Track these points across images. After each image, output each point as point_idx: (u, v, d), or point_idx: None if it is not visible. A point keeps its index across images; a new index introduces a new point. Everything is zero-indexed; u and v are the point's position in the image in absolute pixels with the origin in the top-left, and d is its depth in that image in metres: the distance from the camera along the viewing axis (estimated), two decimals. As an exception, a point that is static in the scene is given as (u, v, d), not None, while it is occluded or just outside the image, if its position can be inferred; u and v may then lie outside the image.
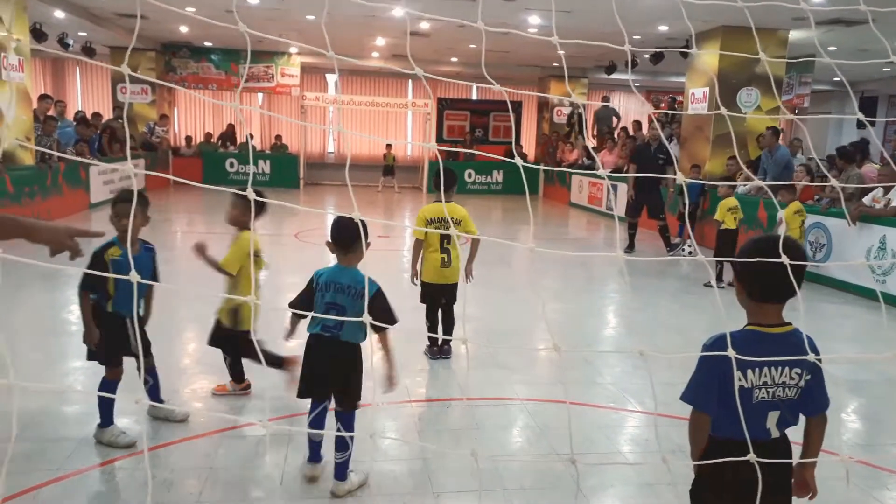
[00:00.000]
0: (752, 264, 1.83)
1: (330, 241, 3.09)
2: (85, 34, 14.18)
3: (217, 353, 4.12)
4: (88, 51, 14.89)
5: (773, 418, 1.90)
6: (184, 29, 14.78)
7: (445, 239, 4.68)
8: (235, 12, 1.87)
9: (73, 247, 1.97)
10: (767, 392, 1.86)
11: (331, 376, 3.05)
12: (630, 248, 9.71)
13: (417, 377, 4.60)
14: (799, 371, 1.88)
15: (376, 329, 2.95)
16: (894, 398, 4.57)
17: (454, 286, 4.82)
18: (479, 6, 10.18)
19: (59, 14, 11.80)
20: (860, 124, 16.64)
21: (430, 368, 4.73)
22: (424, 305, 4.89)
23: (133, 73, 1.70)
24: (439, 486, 3.15)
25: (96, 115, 13.40)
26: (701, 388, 1.89)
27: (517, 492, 3.13)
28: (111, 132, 13.50)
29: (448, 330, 4.89)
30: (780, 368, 1.86)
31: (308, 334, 3.09)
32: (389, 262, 8.46)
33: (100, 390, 3.42)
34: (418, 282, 4.81)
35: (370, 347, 3.20)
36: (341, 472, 3.03)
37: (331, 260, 3.23)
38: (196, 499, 2.95)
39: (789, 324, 1.92)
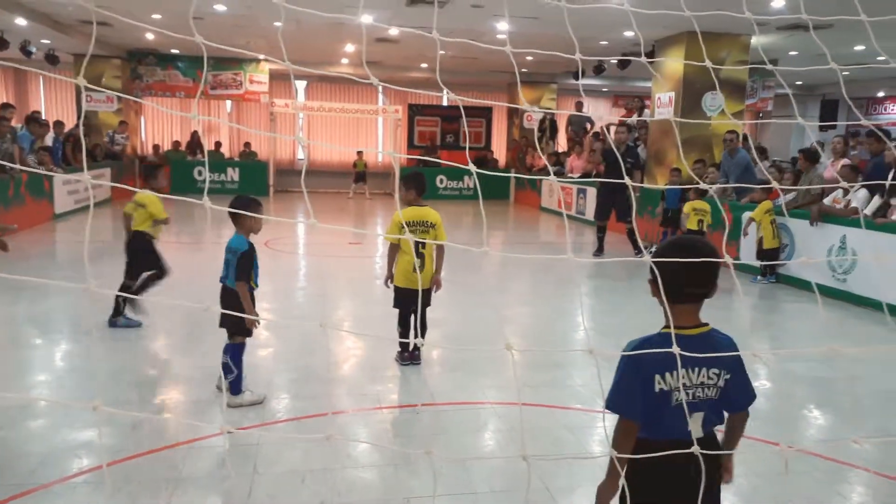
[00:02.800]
0: (662, 266, 1.82)
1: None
2: (49, 41, 13.94)
3: (188, 363, 4.07)
4: (52, 58, 14.64)
5: (696, 419, 1.89)
6: (150, 36, 14.61)
7: (420, 243, 4.69)
8: (193, 25, 1.86)
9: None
10: (687, 393, 1.86)
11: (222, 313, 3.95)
12: (599, 251, 9.81)
13: (389, 383, 4.59)
14: (717, 371, 1.89)
15: (235, 278, 3.94)
16: (854, 394, 4.67)
17: (427, 291, 4.83)
18: (434, 13, 10.23)
19: (22, 21, 11.59)
20: (822, 127, 17.03)
21: (402, 374, 4.73)
22: (396, 311, 4.89)
23: (90, 86, 1.69)
24: (409, 492, 3.15)
25: (58, 124, 13.15)
26: (624, 395, 1.88)
27: (487, 494, 3.14)
28: (75, 141, 13.27)
29: (421, 334, 4.88)
30: (697, 369, 1.86)
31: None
32: (361, 269, 8.44)
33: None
34: (392, 285, 4.81)
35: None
36: (234, 388, 4.03)
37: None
38: (163, 511, 2.91)
39: (706, 324, 1.92)
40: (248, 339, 4.12)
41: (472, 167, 1.86)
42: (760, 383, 4.68)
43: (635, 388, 1.86)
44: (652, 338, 1.90)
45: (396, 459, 3.48)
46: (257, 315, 4.02)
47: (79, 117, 15.39)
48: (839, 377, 4.96)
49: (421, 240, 4.57)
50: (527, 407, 4.17)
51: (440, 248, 4.79)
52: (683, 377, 1.84)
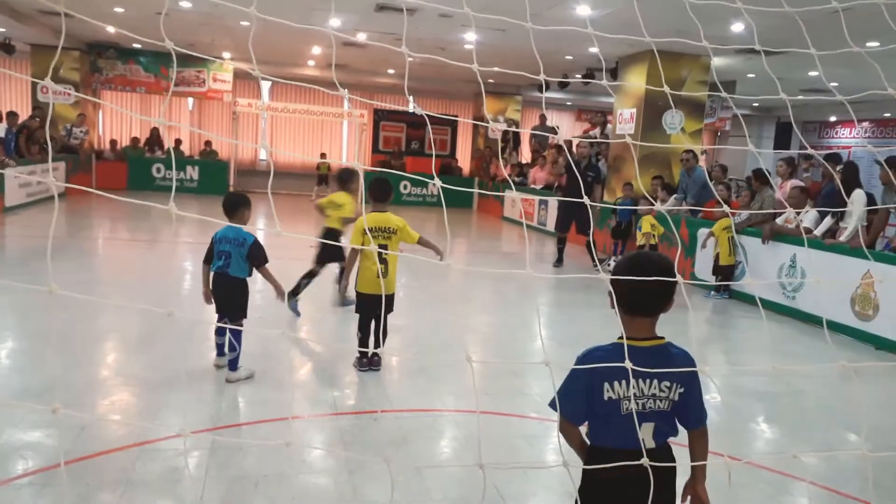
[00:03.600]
0: (617, 280, 1.90)
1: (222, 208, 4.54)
2: (4, 30, 13.54)
3: (141, 365, 3.98)
4: (7, 48, 14.22)
5: (647, 430, 1.93)
6: (111, 29, 14.29)
7: (384, 250, 4.69)
8: (162, 27, 1.84)
9: None
10: (637, 404, 1.90)
11: (223, 299, 4.50)
12: (559, 262, 9.93)
13: (346, 389, 4.57)
14: (669, 384, 1.92)
15: (258, 265, 4.47)
16: (799, 408, 4.82)
17: (391, 297, 4.82)
18: (404, 22, 10.28)
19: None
20: (777, 148, 17.49)
21: (359, 380, 4.72)
22: (357, 316, 4.87)
23: (53, 84, 1.66)
24: (365, 498, 3.15)
25: (12, 115, 12.75)
26: (566, 397, 1.96)
27: (443, 502, 3.15)
28: (28, 133, 12.90)
29: (382, 339, 4.88)
30: (648, 381, 1.91)
31: (212, 273, 4.48)
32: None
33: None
34: (353, 292, 4.79)
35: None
36: (233, 365, 4.46)
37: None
38: (111, 515, 2.84)
39: (661, 338, 1.97)
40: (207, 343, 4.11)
41: (437, 182, 1.87)
42: (711, 396, 4.79)
43: (579, 393, 1.93)
44: (604, 347, 1.96)
45: (352, 465, 3.47)
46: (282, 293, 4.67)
47: (40, 108, 14.90)
48: (785, 392, 5.11)
49: (382, 247, 4.59)
50: (484, 415, 4.20)
51: (422, 241, 4.81)
52: (633, 388, 1.89)
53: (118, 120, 18.62)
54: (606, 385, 1.90)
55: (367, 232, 4.64)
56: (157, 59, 16.81)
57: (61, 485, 3.04)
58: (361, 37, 12.80)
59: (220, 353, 4.65)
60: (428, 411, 4.25)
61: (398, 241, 4.75)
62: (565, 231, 9.98)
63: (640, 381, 1.90)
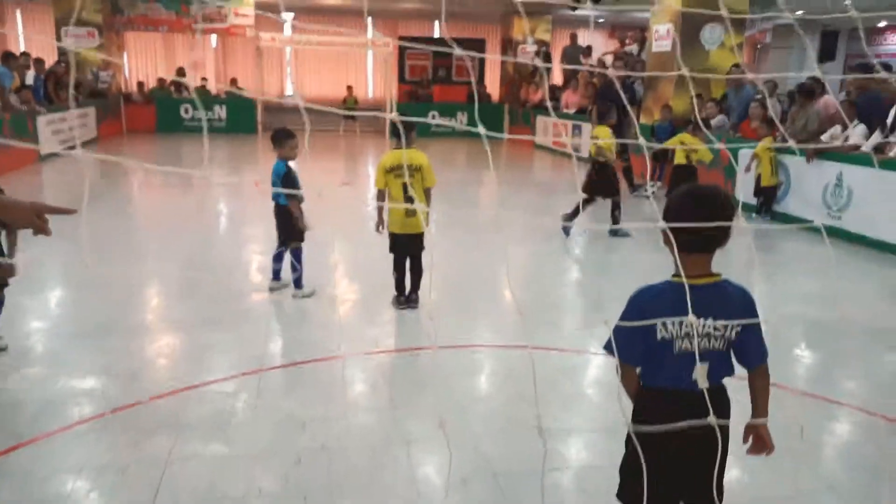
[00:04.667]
0: (673, 215, 1.83)
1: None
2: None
3: (183, 309, 4.04)
4: (27, -9, 14.08)
5: (700, 370, 1.88)
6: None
7: (409, 186, 4.62)
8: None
9: (39, 226, 1.85)
10: (691, 343, 1.85)
11: (277, 225, 4.99)
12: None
13: (386, 327, 4.60)
14: (724, 322, 1.86)
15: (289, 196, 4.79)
16: (850, 334, 4.72)
17: (420, 235, 4.78)
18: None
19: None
20: (821, 59, 16.71)
21: (398, 318, 4.74)
22: (391, 256, 4.85)
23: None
24: (409, 434, 3.19)
25: (38, 62, 12.74)
26: (621, 339, 1.89)
27: (485, 435, 3.19)
28: (56, 78, 12.90)
29: (416, 280, 4.87)
30: (702, 319, 1.84)
31: None
32: (353, 211, 8.36)
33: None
34: (384, 230, 4.76)
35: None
36: (297, 284, 4.99)
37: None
38: (166, 457, 2.93)
39: (717, 274, 1.90)
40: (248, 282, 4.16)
41: (482, 131, 1.76)
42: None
43: (634, 334, 1.87)
44: (658, 285, 1.90)
45: (396, 403, 3.51)
46: (303, 221, 4.94)
47: (65, 54, 14.85)
48: (832, 318, 4.99)
49: (406, 184, 4.52)
50: (522, 349, 4.20)
51: (427, 194, 4.72)
52: (687, 326, 1.83)
53: (143, 61, 18.51)
54: (659, 324, 1.84)
55: (392, 170, 4.58)
56: (177, -4, 16.50)
57: (115, 431, 3.14)
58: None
59: (276, 277, 5.11)
60: (467, 347, 4.26)
61: (421, 177, 4.66)
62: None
63: (697, 320, 1.83)
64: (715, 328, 1.86)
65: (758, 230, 7.76)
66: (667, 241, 1.88)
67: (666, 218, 1.86)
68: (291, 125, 5.46)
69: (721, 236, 1.84)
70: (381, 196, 4.72)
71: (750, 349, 1.92)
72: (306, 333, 4.47)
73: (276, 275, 5.13)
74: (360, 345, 4.26)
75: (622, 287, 4.76)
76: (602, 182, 7.07)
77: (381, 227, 4.75)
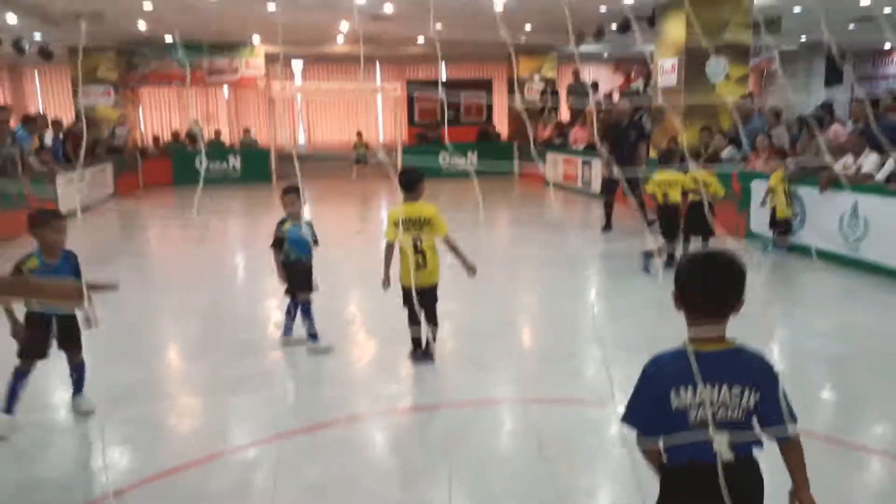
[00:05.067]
0: (684, 280, 1.82)
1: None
2: (41, 37, 13.79)
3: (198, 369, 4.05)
4: (46, 53, 14.51)
5: (721, 440, 1.80)
6: (143, 26, 14.43)
7: (418, 240, 4.63)
8: (184, 13, 1.80)
9: (81, 305, 1.87)
10: (705, 413, 1.79)
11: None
12: (607, 227, 9.74)
13: (403, 383, 4.59)
14: (739, 391, 1.80)
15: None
16: (875, 371, 4.63)
17: (433, 287, 4.78)
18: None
19: (12, 18, 11.45)
20: (828, 82, 16.71)
21: (415, 373, 4.73)
22: (406, 309, 4.86)
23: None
24: (430, 499, 3.16)
25: (57, 123, 13.08)
26: (636, 409, 1.87)
27: (506, 499, 3.14)
28: (74, 138, 13.21)
29: (432, 332, 4.86)
30: (717, 387, 1.79)
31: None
32: (368, 258, 8.39)
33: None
34: (389, 286, 4.75)
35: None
36: (314, 337, 5.03)
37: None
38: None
39: (732, 340, 1.85)
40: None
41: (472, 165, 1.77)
42: (775, 362, 4.65)
43: (650, 404, 1.84)
44: (670, 353, 1.87)
45: (415, 464, 3.48)
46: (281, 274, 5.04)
47: (77, 115, 15.25)
48: (854, 353, 4.91)
49: (416, 238, 4.54)
50: (542, 404, 4.16)
51: (447, 241, 4.72)
52: (701, 395, 1.79)
53: (157, 115, 18.91)
54: (672, 394, 1.80)
55: (400, 223, 4.61)
56: (189, 51, 16.93)
57: (138, 507, 3.14)
58: (388, 9, 12.60)
59: (287, 332, 5.15)
60: (485, 402, 4.22)
61: (431, 230, 4.66)
62: (612, 194, 9.75)
63: (709, 388, 1.79)
64: (730, 396, 1.80)
65: (774, 261, 7.70)
66: (679, 307, 1.87)
67: (677, 283, 1.86)
68: (303, 172, 5.54)
69: (733, 302, 1.82)
70: (389, 250, 4.73)
71: (774, 420, 1.83)
72: (324, 393, 4.46)
73: (288, 330, 5.16)
74: (378, 403, 4.25)
75: (642, 332, 4.67)
76: (698, 220, 6.94)
77: (386, 283, 4.73)
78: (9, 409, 3.78)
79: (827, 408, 4.18)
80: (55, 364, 4.66)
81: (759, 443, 1.88)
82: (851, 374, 4.59)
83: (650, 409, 1.85)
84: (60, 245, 3.93)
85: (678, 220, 7.17)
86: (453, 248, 4.72)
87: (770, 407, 1.83)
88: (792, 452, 1.88)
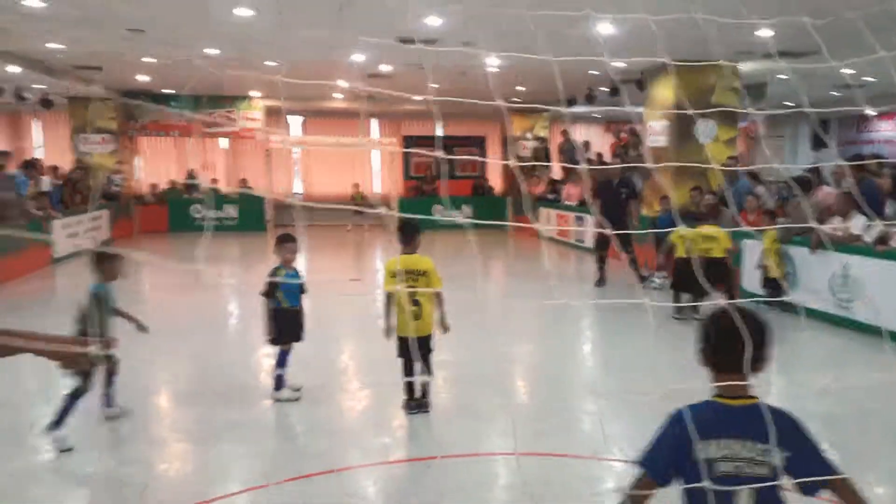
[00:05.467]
0: (709, 337, 1.85)
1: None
2: (42, 86, 14.02)
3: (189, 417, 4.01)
4: (46, 102, 14.72)
5: (746, 497, 1.78)
6: (143, 77, 14.72)
7: (414, 291, 4.67)
8: (187, 66, 1.86)
9: (77, 360, 1.85)
10: (730, 466, 1.79)
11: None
12: (601, 281, 9.80)
13: (396, 434, 4.54)
14: (765, 447, 1.78)
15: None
16: (871, 431, 4.63)
17: (428, 338, 4.79)
18: (429, 55, 10.37)
19: (15, 69, 11.66)
20: (814, 146, 17.14)
21: (409, 424, 4.68)
22: (400, 360, 4.85)
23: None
24: (425, 555, 3.10)
25: (54, 168, 13.18)
26: (654, 454, 1.86)
27: (504, 556, 3.09)
28: (72, 185, 13.29)
29: (426, 383, 4.84)
30: (742, 443, 1.79)
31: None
32: (363, 309, 8.39)
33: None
34: (394, 335, 4.77)
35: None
36: (279, 384, 4.99)
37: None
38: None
39: (755, 397, 1.85)
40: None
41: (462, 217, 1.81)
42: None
43: (667, 450, 1.84)
44: (696, 406, 1.87)
45: (409, 518, 3.43)
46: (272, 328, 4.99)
47: (81, 160, 15.38)
48: (851, 413, 4.92)
49: (412, 289, 4.57)
50: (538, 457, 4.12)
51: (438, 295, 4.77)
52: (725, 448, 1.79)
53: (155, 164, 19.07)
54: (700, 445, 1.78)
55: (397, 275, 4.65)
56: (188, 102, 17.22)
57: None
58: (385, 68, 12.93)
59: (279, 386, 5.05)
60: (480, 455, 4.18)
61: (426, 283, 4.72)
62: (605, 249, 9.85)
63: (734, 442, 1.79)
64: (757, 454, 1.79)
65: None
66: (706, 362, 1.90)
67: (706, 338, 1.89)
68: (299, 222, 5.72)
69: (760, 358, 1.82)
70: (389, 300, 4.76)
71: (813, 471, 1.78)
72: (315, 442, 4.41)
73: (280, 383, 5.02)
74: (370, 455, 4.20)
75: (636, 385, 4.67)
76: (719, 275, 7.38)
77: (389, 334, 4.75)
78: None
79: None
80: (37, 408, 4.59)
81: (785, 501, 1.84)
82: (847, 433, 4.58)
83: (668, 458, 1.84)
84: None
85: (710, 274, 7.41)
86: (440, 303, 4.77)
87: (805, 458, 1.79)
88: (848, 491, 1.81)
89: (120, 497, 3.60)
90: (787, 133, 20.26)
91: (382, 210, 6.93)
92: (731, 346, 1.80)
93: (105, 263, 4.59)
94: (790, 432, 1.80)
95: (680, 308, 7.69)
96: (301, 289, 5.08)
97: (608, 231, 9.32)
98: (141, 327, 4.72)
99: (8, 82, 12.81)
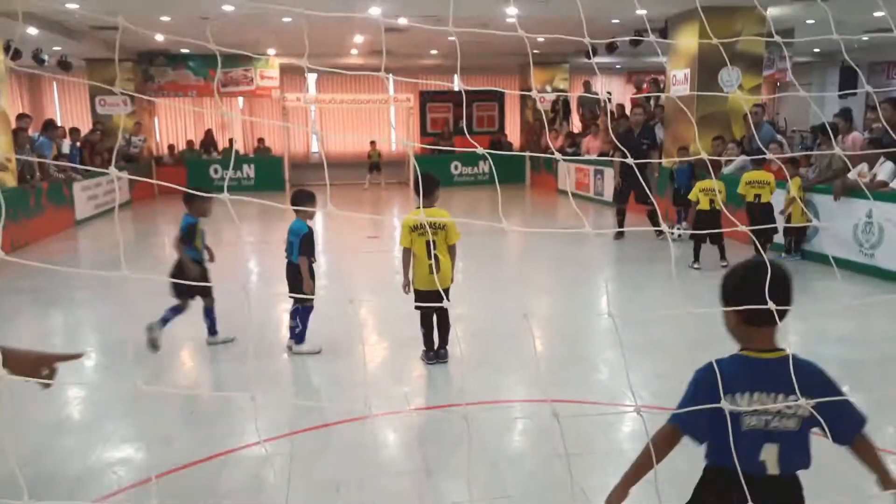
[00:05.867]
0: (738, 292, 1.80)
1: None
2: (60, 48, 14.02)
3: (217, 372, 4.08)
4: (64, 65, 14.73)
5: (769, 452, 1.79)
6: (160, 37, 14.64)
7: (432, 245, 4.66)
8: (209, 32, 1.84)
9: (42, 376, 1.87)
10: (759, 420, 1.78)
11: (290, 284, 5.16)
12: (620, 234, 9.73)
13: (415, 384, 4.60)
14: (795, 398, 1.76)
15: (301, 252, 4.98)
16: (891, 376, 4.60)
17: (446, 291, 4.80)
18: (449, 3, 10.13)
19: (33, 30, 11.66)
20: (842, 94, 16.75)
21: (428, 374, 4.74)
22: (418, 312, 4.88)
23: (126, 91, 1.68)
24: (444, 498, 3.16)
25: (74, 131, 13.26)
26: (690, 413, 1.82)
27: (521, 497, 3.14)
28: (91, 146, 13.38)
29: (443, 334, 4.88)
30: (772, 395, 1.78)
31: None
32: (381, 265, 8.44)
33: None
34: (411, 290, 4.79)
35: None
36: (299, 339, 5.07)
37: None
38: (201, 527, 2.94)
39: (783, 349, 1.84)
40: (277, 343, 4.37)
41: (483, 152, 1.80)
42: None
43: (702, 410, 1.79)
44: (726, 359, 1.84)
45: (429, 464, 3.49)
46: (313, 283, 5.05)
47: (100, 122, 15.45)
48: (871, 358, 4.88)
49: (430, 242, 4.56)
50: (555, 404, 4.15)
51: (452, 250, 4.76)
52: (756, 402, 1.77)
53: (172, 125, 19.12)
54: (728, 399, 1.76)
55: (416, 229, 4.63)
56: (205, 62, 17.16)
57: (152, 500, 3.16)
58: (402, 21, 12.73)
59: (292, 335, 5.15)
60: (498, 403, 4.23)
61: (445, 236, 4.71)
62: (624, 202, 9.75)
63: (765, 395, 1.78)
64: (787, 405, 1.77)
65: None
66: (730, 318, 1.85)
67: (729, 293, 1.85)
68: (317, 180, 5.70)
69: (785, 310, 1.79)
70: (406, 254, 4.77)
71: (839, 423, 1.79)
72: (336, 393, 4.48)
73: (293, 332, 5.14)
74: (390, 403, 4.26)
75: (655, 335, 4.66)
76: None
77: (407, 288, 4.77)
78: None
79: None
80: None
81: (806, 463, 1.85)
82: (869, 378, 4.56)
83: (704, 415, 1.79)
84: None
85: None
86: (452, 257, 4.76)
87: (831, 411, 1.77)
88: (865, 448, 1.84)
89: (142, 449, 3.70)
90: (815, 80, 19.70)
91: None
92: (760, 299, 1.76)
93: (197, 200, 5.24)
94: (821, 384, 1.79)
95: (697, 258, 7.69)
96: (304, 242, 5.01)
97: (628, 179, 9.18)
98: (212, 258, 5.54)
99: (27, 44, 12.82)
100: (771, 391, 1.77)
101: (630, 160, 2.10)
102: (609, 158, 12.36)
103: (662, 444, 1.90)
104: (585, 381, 4.55)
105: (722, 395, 1.75)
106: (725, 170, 9.42)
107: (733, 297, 1.83)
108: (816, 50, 18.49)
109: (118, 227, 8.13)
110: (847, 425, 1.81)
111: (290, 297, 5.33)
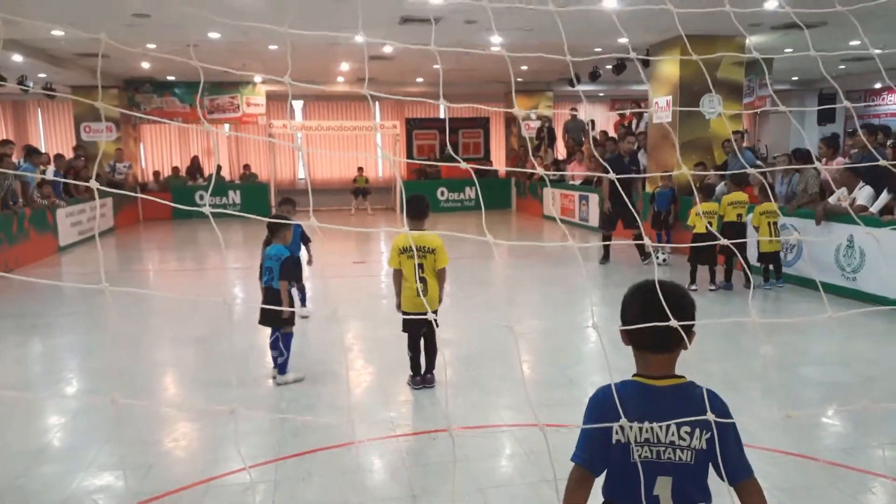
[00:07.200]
0: (628, 313, 1.72)
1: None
2: (45, 75, 14.01)
3: (195, 396, 4.03)
4: (49, 91, 14.69)
5: (663, 485, 1.65)
6: (145, 65, 14.69)
7: (420, 268, 4.66)
8: (192, 51, 1.85)
9: None
10: (650, 450, 1.65)
11: (266, 312, 4.92)
12: (605, 259, 9.78)
13: (402, 409, 4.57)
14: (690, 430, 1.64)
15: (281, 276, 4.91)
16: (873, 397, 4.62)
17: (434, 314, 4.78)
18: (431, 31, 10.27)
19: (18, 57, 11.65)
20: (821, 121, 17.04)
21: (415, 399, 4.70)
22: (405, 335, 4.86)
23: (127, 111, 1.67)
24: (431, 524, 3.12)
25: (59, 157, 13.19)
26: (582, 442, 1.72)
27: (509, 523, 3.11)
28: (75, 173, 13.31)
29: (430, 358, 4.86)
30: (664, 426, 1.64)
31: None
32: (367, 290, 8.42)
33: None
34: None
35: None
36: (281, 369, 4.95)
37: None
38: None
39: (681, 377, 1.72)
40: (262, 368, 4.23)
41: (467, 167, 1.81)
42: (774, 389, 4.64)
43: (596, 437, 1.69)
44: (618, 384, 1.71)
45: (415, 489, 3.45)
46: (292, 308, 5.08)
47: (83, 148, 15.39)
48: (855, 381, 4.92)
49: (420, 263, 4.56)
50: (544, 428, 4.12)
51: (441, 273, 4.75)
52: (646, 431, 1.64)
53: (158, 151, 19.08)
54: (616, 427, 1.64)
55: (405, 251, 4.63)
56: (190, 89, 17.20)
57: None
58: (388, 49, 12.85)
59: (275, 365, 5.02)
60: (486, 427, 4.20)
61: (434, 260, 4.69)
62: (611, 229, 9.81)
63: (655, 425, 1.64)
64: (680, 436, 1.64)
65: (769, 295, 7.72)
66: (626, 341, 1.75)
67: (622, 314, 1.75)
68: (303, 207, 5.71)
69: (681, 335, 1.66)
70: (397, 275, 4.76)
71: (729, 461, 1.65)
72: (322, 418, 4.43)
73: (275, 361, 4.99)
74: (376, 429, 4.22)
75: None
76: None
77: (400, 308, 4.76)
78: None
79: (828, 433, 4.16)
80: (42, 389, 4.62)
81: (705, 499, 1.71)
82: (852, 400, 4.58)
83: (597, 442, 1.68)
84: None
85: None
86: (441, 281, 4.75)
87: (724, 447, 1.64)
88: (751, 499, 1.69)
89: (126, 475, 3.63)
90: (794, 107, 20.05)
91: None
92: (642, 321, 1.65)
93: (282, 229, 5.12)
94: (718, 414, 1.64)
95: (694, 279, 7.77)
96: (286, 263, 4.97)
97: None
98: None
99: (11, 71, 12.79)
100: (662, 420, 1.64)
101: (618, 186, 2.12)
102: (596, 180, 12.47)
103: (577, 488, 1.73)
104: (574, 405, 4.54)
105: (610, 422, 1.64)
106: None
107: (623, 320, 1.74)
108: (795, 78, 18.88)
109: (98, 245, 7.96)
110: (739, 465, 1.68)
111: (264, 325, 5.08)
